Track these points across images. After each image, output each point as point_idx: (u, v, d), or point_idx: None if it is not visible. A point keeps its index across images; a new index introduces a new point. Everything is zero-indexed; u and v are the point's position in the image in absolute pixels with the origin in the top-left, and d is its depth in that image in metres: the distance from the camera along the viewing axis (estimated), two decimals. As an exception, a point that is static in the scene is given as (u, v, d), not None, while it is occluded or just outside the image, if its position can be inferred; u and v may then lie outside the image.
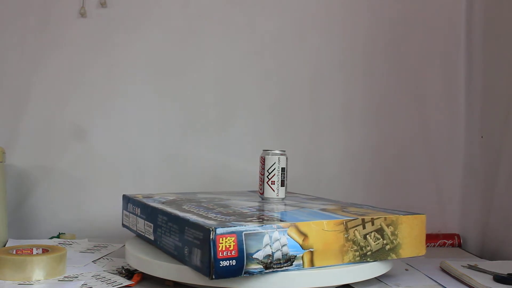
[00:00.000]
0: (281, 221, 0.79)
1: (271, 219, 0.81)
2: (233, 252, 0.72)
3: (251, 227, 0.75)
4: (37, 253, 0.93)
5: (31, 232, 1.27)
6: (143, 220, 0.96)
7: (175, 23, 1.30)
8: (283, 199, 1.03)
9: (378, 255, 0.84)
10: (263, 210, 0.90)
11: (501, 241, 1.12)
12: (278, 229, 0.76)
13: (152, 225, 0.92)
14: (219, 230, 0.72)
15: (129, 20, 1.30)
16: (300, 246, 0.78)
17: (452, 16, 1.30)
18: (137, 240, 0.99)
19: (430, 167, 1.31)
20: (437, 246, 1.24)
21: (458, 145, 1.30)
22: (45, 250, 0.94)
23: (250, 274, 0.74)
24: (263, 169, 1.03)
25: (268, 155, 1.03)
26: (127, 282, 0.86)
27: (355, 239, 0.82)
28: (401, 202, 1.27)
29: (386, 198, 1.28)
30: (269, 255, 0.75)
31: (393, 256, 0.86)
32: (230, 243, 0.72)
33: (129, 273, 0.91)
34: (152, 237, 0.92)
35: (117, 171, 1.30)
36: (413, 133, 1.31)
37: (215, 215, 0.83)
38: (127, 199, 1.06)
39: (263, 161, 1.03)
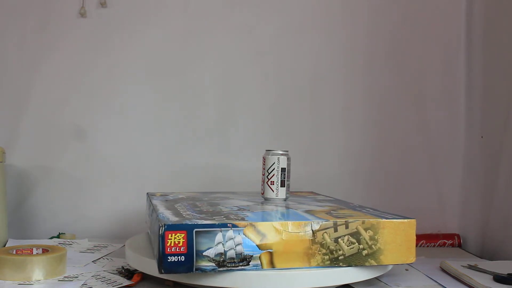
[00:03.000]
0: (241, 220, 0.79)
1: (236, 219, 0.80)
2: (182, 249, 0.74)
3: (203, 224, 0.76)
4: (37, 253, 0.93)
5: (31, 232, 1.27)
6: (148, 217, 0.99)
7: (175, 23, 1.30)
8: (284, 199, 1.02)
9: (352, 260, 0.81)
10: (243, 210, 0.90)
11: (501, 241, 1.12)
12: (233, 228, 0.76)
13: (150, 221, 0.94)
14: (169, 226, 0.74)
15: (129, 20, 1.30)
16: (257, 246, 0.77)
17: (452, 16, 1.30)
18: (137, 240, 0.99)
19: (430, 167, 1.31)
20: (437, 246, 1.24)
21: (458, 145, 1.30)
22: (45, 250, 0.94)
23: (203, 271, 0.75)
24: (264, 169, 1.03)
25: (269, 155, 1.03)
26: (127, 282, 0.86)
27: (324, 242, 0.80)
28: (401, 202, 1.27)
29: (386, 198, 1.28)
30: (221, 254, 0.76)
31: (372, 262, 0.82)
32: (180, 239, 0.74)
33: (129, 273, 0.91)
34: (150, 233, 0.95)
35: (117, 171, 1.30)
36: (413, 133, 1.31)
37: (190, 213, 0.85)
38: (147, 196, 1.08)
39: (264, 161, 1.04)
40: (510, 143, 1.11)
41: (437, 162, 1.31)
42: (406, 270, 0.97)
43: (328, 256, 0.80)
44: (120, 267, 0.96)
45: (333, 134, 1.32)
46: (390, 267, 0.88)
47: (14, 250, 0.93)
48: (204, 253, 0.75)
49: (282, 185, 1.02)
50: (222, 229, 0.76)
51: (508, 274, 0.89)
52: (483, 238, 1.19)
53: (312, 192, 1.19)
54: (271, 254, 0.78)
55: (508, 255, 1.08)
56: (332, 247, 0.80)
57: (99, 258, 1.04)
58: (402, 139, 1.31)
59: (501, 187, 1.13)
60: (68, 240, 1.19)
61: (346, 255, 0.81)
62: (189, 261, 0.75)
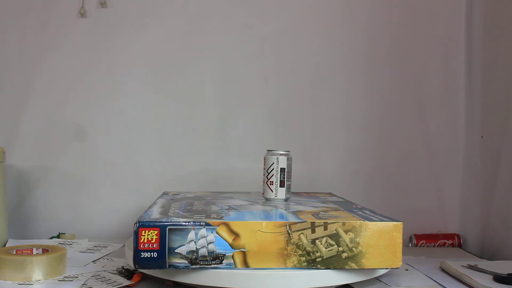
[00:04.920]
0: (220, 219, 0.80)
1: (215, 218, 0.81)
2: (154, 245, 0.77)
3: (176, 222, 0.78)
4: (37, 253, 0.93)
5: (31, 232, 1.27)
6: None
7: (175, 23, 1.30)
8: (284, 199, 1.02)
9: (331, 263, 0.79)
10: (231, 209, 0.90)
11: (501, 241, 1.12)
12: (206, 227, 0.78)
13: None
14: (142, 223, 0.78)
15: (129, 20, 1.30)
16: (230, 245, 0.78)
17: (452, 16, 1.30)
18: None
19: (430, 167, 1.31)
20: (437, 246, 1.24)
21: (458, 145, 1.30)
22: (45, 250, 0.94)
23: (176, 268, 0.77)
24: (264, 169, 1.03)
25: (268, 155, 1.03)
26: (127, 282, 0.86)
27: (300, 243, 0.79)
28: (401, 202, 1.28)
29: (386, 199, 1.28)
30: (193, 251, 0.77)
31: (353, 265, 0.80)
32: (153, 236, 0.77)
33: (129, 273, 0.91)
34: None
35: (117, 171, 1.30)
36: (413, 133, 1.31)
37: (176, 211, 0.87)
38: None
39: (264, 161, 1.04)
40: (510, 143, 1.11)
41: (437, 162, 1.31)
42: (406, 270, 0.97)
43: (304, 258, 0.79)
44: (120, 267, 0.96)
45: (334, 134, 1.31)
46: (378, 272, 0.85)
47: (14, 250, 0.93)
48: (176, 250, 0.77)
49: (282, 185, 1.02)
50: (195, 227, 0.78)
51: (508, 274, 0.89)
52: (483, 238, 1.19)
53: (330, 194, 1.18)
54: (244, 253, 0.78)
55: (508, 255, 1.08)
56: (308, 249, 0.79)
57: (99, 258, 1.04)
58: (402, 139, 1.31)
59: (501, 187, 1.13)
60: (68, 240, 1.19)
61: (324, 257, 0.79)
62: (161, 257, 0.77)
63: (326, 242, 0.79)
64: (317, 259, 0.79)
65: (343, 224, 0.80)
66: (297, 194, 1.15)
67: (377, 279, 0.90)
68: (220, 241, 0.78)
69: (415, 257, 1.09)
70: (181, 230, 0.77)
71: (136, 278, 0.87)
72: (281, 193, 1.02)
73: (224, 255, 0.78)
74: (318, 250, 0.79)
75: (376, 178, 1.31)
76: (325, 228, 0.80)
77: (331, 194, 1.18)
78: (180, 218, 0.80)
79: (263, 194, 1.04)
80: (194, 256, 0.77)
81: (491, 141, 1.19)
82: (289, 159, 1.02)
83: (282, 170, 1.01)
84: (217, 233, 0.78)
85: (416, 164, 1.31)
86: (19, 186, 1.27)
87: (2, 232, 1.13)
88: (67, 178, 1.29)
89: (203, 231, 0.78)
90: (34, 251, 0.94)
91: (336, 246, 0.80)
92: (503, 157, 1.13)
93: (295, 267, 0.79)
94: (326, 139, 1.31)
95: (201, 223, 0.78)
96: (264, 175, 1.03)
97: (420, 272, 0.96)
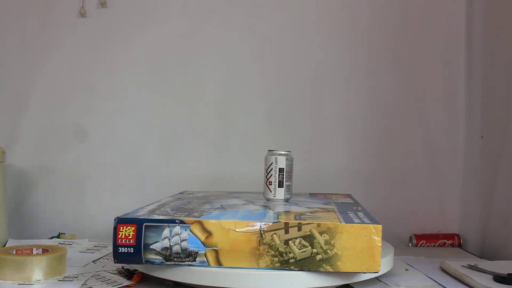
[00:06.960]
0: (195, 217, 0.81)
1: (196, 216, 0.82)
2: (131, 241, 0.79)
3: (152, 219, 0.80)
4: (37, 253, 0.93)
5: (31, 232, 1.27)
6: None
7: (175, 23, 1.31)
8: (284, 200, 1.02)
9: (305, 265, 0.77)
10: (219, 209, 0.90)
11: (501, 241, 1.12)
12: (180, 224, 0.79)
13: None
14: (121, 220, 0.80)
15: (129, 20, 1.30)
16: (202, 243, 0.79)
17: (452, 16, 1.30)
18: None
19: (430, 167, 1.31)
20: (437, 246, 1.24)
21: (458, 145, 1.30)
22: (45, 250, 0.94)
23: (152, 263, 0.80)
24: (264, 169, 1.03)
25: (268, 155, 1.03)
26: (127, 282, 0.86)
27: (273, 243, 0.78)
28: (402, 202, 1.28)
29: (386, 199, 1.28)
30: (167, 248, 0.79)
31: (328, 268, 0.77)
32: (130, 232, 0.79)
33: (129, 273, 0.91)
34: None
35: (117, 171, 1.30)
36: (413, 133, 1.31)
37: (167, 209, 0.89)
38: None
39: (264, 161, 1.03)
40: (510, 143, 1.11)
41: (437, 162, 1.30)
42: (406, 270, 0.97)
43: (277, 258, 0.78)
44: (120, 267, 0.96)
45: (334, 134, 1.31)
46: (355, 275, 0.80)
47: (14, 250, 0.94)
48: (151, 246, 0.79)
49: (280, 185, 1.01)
50: (170, 224, 0.79)
51: (508, 274, 0.89)
52: (483, 238, 1.19)
53: (346, 195, 1.17)
54: (216, 252, 0.79)
55: (508, 255, 1.08)
56: (281, 249, 0.78)
57: (99, 258, 1.04)
58: (402, 139, 1.31)
59: (501, 187, 1.13)
60: (68, 240, 1.19)
61: (298, 258, 0.78)
62: (137, 253, 0.79)
63: (299, 243, 0.78)
64: (290, 260, 0.78)
65: (318, 225, 0.78)
66: (313, 195, 1.14)
67: (377, 279, 0.90)
68: (193, 239, 0.79)
69: (415, 257, 1.09)
70: (156, 227, 0.79)
71: (136, 278, 0.87)
72: (280, 193, 1.01)
73: (197, 252, 0.79)
74: (291, 251, 0.78)
75: (376, 178, 1.31)
76: (299, 229, 0.78)
77: (347, 196, 1.16)
78: (159, 216, 0.82)
79: (263, 194, 1.04)
80: (168, 253, 0.79)
81: (491, 141, 1.19)
82: (288, 159, 1.02)
83: (281, 170, 1.01)
84: (190, 231, 0.79)
85: (416, 164, 1.31)
86: (19, 186, 1.28)
87: (2, 232, 1.13)
88: (67, 178, 1.29)
89: (177, 229, 0.79)
90: (34, 251, 0.94)
91: (310, 247, 0.78)
92: (503, 157, 1.12)
93: (268, 268, 0.78)
94: (326, 139, 1.31)
95: (176, 220, 0.79)
96: (264, 175, 1.03)
97: (420, 272, 0.96)
